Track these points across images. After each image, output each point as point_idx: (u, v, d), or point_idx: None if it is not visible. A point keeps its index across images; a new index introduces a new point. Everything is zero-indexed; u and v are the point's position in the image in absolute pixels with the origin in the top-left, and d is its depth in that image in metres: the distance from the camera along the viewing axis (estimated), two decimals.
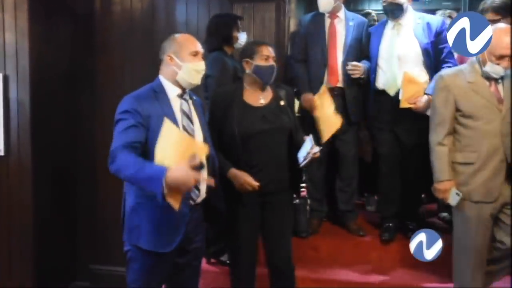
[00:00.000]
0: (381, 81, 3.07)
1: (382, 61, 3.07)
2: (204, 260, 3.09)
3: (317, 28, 3.23)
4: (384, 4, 3.05)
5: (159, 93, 2.08)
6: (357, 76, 3.03)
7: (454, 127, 2.36)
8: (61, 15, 3.51)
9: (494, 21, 2.84)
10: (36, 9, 3.20)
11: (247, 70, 2.47)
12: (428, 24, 3.02)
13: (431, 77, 2.93)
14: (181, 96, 2.14)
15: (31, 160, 3.23)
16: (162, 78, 2.13)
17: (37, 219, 3.29)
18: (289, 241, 2.63)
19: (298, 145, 2.46)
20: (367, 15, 4.04)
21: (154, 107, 2.02)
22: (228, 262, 3.17)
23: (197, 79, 2.13)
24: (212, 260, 3.20)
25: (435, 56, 2.99)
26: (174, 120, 2.02)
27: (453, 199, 2.32)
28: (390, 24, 3.08)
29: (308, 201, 2.85)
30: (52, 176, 3.45)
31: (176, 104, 2.10)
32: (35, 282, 3.28)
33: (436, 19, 3.10)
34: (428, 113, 2.84)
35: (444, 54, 2.99)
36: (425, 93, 2.89)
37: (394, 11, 3.00)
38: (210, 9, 3.58)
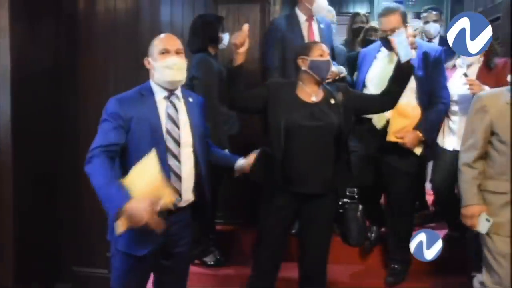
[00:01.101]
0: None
1: (370, 89, 2.91)
2: None
3: (294, 31, 3.25)
4: (381, 36, 2.90)
5: (145, 96, 2.11)
6: (331, 80, 2.93)
7: (487, 152, 2.19)
8: (44, 14, 3.43)
9: None
10: (18, 8, 3.12)
11: (303, 67, 2.47)
12: (425, 53, 2.86)
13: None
14: (167, 98, 2.14)
15: (11, 160, 3.16)
16: (151, 81, 2.17)
17: (17, 221, 3.23)
18: (324, 252, 2.56)
19: (348, 148, 2.51)
20: (355, 16, 4.07)
21: (137, 109, 2.05)
22: (211, 263, 3.24)
23: (171, 76, 2.10)
24: (196, 261, 3.22)
25: (429, 90, 2.87)
26: (158, 123, 2.07)
27: (482, 226, 2.14)
28: (384, 51, 2.92)
29: (360, 207, 2.68)
30: (34, 177, 3.38)
31: (162, 106, 2.11)
32: (16, 282, 3.21)
33: (434, 49, 2.95)
34: (416, 150, 2.82)
35: (438, 90, 2.89)
36: (414, 129, 2.80)
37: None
38: (195, 10, 3.58)
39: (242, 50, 2.28)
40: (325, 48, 2.50)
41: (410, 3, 5.48)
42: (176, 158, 2.10)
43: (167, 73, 2.10)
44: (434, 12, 4.11)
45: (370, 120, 2.90)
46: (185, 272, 2.36)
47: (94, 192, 2.20)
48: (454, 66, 3.12)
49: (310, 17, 3.32)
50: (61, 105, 3.53)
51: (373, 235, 3.25)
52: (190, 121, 2.17)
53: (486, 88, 2.76)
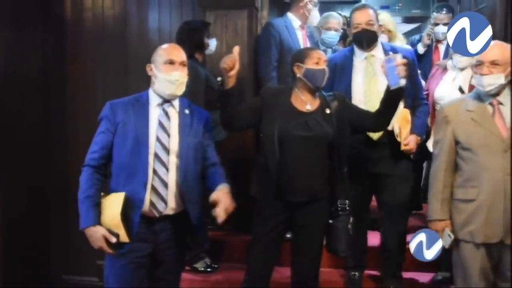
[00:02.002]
0: None
1: (359, 98, 2.80)
2: None
3: (291, 35, 3.29)
4: (356, 31, 2.81)
5: (140, 102, 2.17)
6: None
7: (456, 161, 2.19)
8: (31, 22, 3.52)
9: None
10: (4, 16, 3.23)
11: (298, 75, 2.46)
12: (404, 57, 2.79)
13: None
14: (161, 105, 2.17)
15: None
16: (150, 89, 2.20)
17: (7, 229, 3.28)
18: (317, 257, 2.59)
19: (341, 157, 2.45)
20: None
21: (128, 114, 2.12)
22: (201, 269, 3.22)
23: (171, 90, 2.15)
24: (187, 267, 3.16)
25: (412, 93, 2.85)
26: (145, 130, 2.13)
27: (445, 241, 2.19)
28: (360, 55, 2.84)
29: (351, 219, 2.67)
30: (24, 184, 3.45)
31: (155, 114, 2.15)
32: None
33: (409, 51, 2.96)
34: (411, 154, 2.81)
35: (419, 92, 2.90)
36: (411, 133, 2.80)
37: (368, 40, 2.78)
38: (183, 16, 3.58)
39: (233, 73, 2.29)
40: (322, 55, 2.47)
41: (396, 7, 5.48)
42: (164, 165, 2.13)
43: (168, 86, 2.14)
44: (444, 13, 3.86)
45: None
46: (176, 280, 2.37)
47: None
48: (445, 68, 3.12)
49: (303, 24, 3.39)
50: (49, 112, 3.57)
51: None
52: (180, 131, 2.18)
53: None
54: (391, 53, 2.65)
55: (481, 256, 2.11)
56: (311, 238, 2.52)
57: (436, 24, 3.88)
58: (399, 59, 2.36)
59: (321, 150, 2.43)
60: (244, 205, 2.62)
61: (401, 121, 2.75)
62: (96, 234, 2.04)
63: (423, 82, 3.19)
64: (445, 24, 3.79)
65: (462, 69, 3.00)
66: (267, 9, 3.78)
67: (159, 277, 2.24)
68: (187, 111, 2.24)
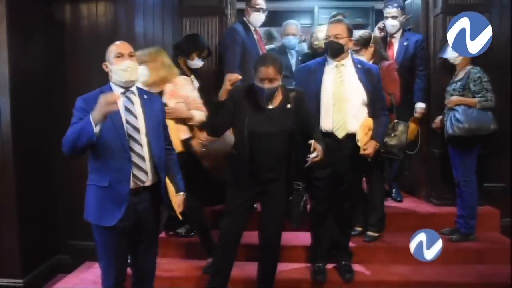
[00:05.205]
0: (328, 124, 2.94)
1: (328, 103, 2.92)
2: (163, 233, 3.55)
3: (249, 37, 3.65)
4: (326, 42, 2.98)
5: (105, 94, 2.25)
6: None
7: None
8: (36, 29, 3.67)
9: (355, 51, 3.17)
10: (14, 23, 3.40)
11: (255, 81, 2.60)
12: (369, 70, 2.98)
13: None
14: (123, 94, 2.33)
15: (12, 152, 3.43)
16: (110, 82, 2.39)
17: (20, 204, 3.48)
18: (279, 225, 2.81)
19: (299, 145, 2.63)
20: None
21: None
22: (183, 234, 3.60)
23: (126, 76, 2.30)
24: (171, 233, 3.62)
25: (374, 103, 2.96)
26: (117, 115, 2.26)
27: None
28: (331, 63, 2.97)
29: (304, 197, 2.87)
30: (32, 167, 3.64)
31: (120, 101, 2.29)
32: (21, 257, 3.49)
33: (374, 67, 3.08)
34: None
35: (381, 103, 3.02)
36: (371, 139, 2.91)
37: (333, 50, 2.92)
38: (164, 22, 3.88)
39: (230, 87, 2.56)
40: (271, 73, 2.51)
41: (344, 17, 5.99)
42: (137, 142, 2.30)
43: (123, 74, 2.29)
44: (391, 8, 4.00)
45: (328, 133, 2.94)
46: (155, 241, 2.57)
47: (84, 177, 2.47)
48: None
49: (255, 27, 3.78)
50: (53, 108, 3.78)
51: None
52: (144, 113, 2.34)
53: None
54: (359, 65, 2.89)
55: None
56: (274, 208, 2.80)
57: (386, 18, 4.05)
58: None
59: (283, 141, 2.65)
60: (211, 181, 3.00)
61: (364, 128, 2.91)
62: (97, 106, 2.07)
63: None
64: (393, 18, 4.00)
65: None
66: (235, 16, 4.16)
67: (141, 240, 2.43)
68: (145, 96, 2.40)
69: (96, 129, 2.10)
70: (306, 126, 2.73)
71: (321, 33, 3.69)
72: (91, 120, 2.09)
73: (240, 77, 2.70)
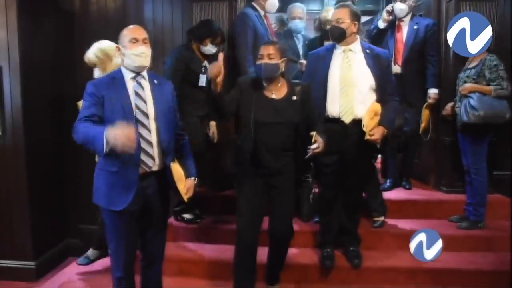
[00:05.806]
0: (334, 109, 2.93)
1: (335, 88, 2.91)
2: (172, 218, 3.60)
3: (260, 22, 3.61)
4: (329, 27, 3.00)
5: (116, 79, 2.32)
6: None
7: None
8: (46, 13, 3.67)
9: None
10: (24, 8, 3.41)
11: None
12: (377, 55, 2.95)
13: None
14: (134, 79, 2.33)
15: (24, 138, 3.47)
16: (122, 66, 2.37)
17: (31, 189, 3.53)
18: (289, 214, 2.79)
19: (304, 137, 2.59)
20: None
21: (109, 90, 2.27)
22: (188, 218, 3.59)
23: (139, 62, 2.29)
24: (179, 218, 3.66)
25: (384, 88, 2.94)
26: (127, 100, 2.28)
27: None
28: (339, 49, 2.97)
29: (314, 190, 2.86)
30: (42, 152, 3.67)
31: (131, 86, 2.32)
32: (33, 240, 3.56)
33: (384, 52, 3.05)
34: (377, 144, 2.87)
35: (389, 89, 2.98)
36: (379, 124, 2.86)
37: (335, 35, 2.92)
38: (173, 7, 3.86)
39: (219, 80, 2.44)
40: (272, 50, 2.56)
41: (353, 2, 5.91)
42: (146, 127, 2.29)
43: (136, 59, 2.28)
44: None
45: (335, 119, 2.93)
46: (164, 226, 2.57)
47: (92, 164, 2.53)
48: None
49: (265, 13, 3.74)
50: (62, 92, 3.81)
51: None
52: (153, 98, 2.33)
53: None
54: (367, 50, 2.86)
55: None
56: (283, 201, 2.77)
57: (395, 1, 4.01)
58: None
59: (288, 132, 2.64)
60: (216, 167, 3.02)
61: (370, 113, 2.86)
62: (119, 127, 2.00)
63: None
64: (401, 1, 3.94)
65: None
66: (244, 1, 4.08)
67: (148, 224, 2.45)
68: (156, 81, 2.40)
69: (106, 148, 2.06)
70: (310, 119, 2.73)
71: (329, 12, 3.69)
72: (104, 138, 2.04)
73: (222, 57, 2.55)
